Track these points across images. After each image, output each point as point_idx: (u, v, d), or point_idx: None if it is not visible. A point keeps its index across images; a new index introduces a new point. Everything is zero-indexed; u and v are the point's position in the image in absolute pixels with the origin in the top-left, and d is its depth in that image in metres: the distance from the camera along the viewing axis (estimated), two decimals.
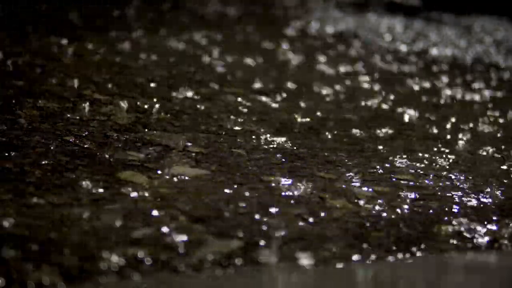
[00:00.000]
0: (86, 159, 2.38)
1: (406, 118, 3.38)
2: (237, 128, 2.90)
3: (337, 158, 2.71)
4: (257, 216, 2.13)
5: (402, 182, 2.56)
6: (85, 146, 2.50)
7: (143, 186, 2.23)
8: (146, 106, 3.02)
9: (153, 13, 5.19)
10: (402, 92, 3.87)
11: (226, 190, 2.29)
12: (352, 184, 2.48)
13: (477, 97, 3.99)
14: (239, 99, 3.30)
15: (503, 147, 3.12)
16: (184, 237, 1.94)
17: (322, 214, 2.21)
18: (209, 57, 4.04)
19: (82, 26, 4.38)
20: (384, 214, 2.27)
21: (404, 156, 2.83)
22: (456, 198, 2.48)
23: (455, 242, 2.15)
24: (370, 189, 2.45)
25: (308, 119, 3.14)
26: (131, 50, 3.94)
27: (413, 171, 2.69)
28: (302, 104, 3.35)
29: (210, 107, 3.12)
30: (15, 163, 2.27)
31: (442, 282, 1.90)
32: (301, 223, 2.13)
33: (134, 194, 2.16)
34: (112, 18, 4.80)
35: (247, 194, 2.28)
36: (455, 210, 2.38)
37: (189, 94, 3.28)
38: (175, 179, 2.32)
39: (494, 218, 2.35)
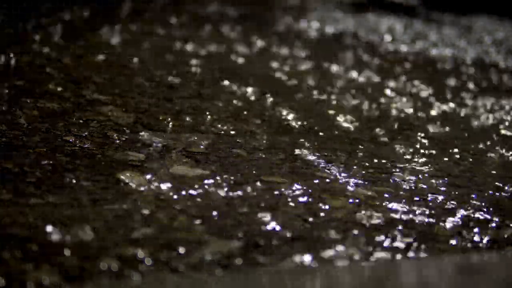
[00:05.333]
0: (86, 159, 2.38)
1: (406, 118, 3.38)
2: (237, 128, 2.90)
3: (337, 158, 2.71)
4: (257, 216, 2.13)
5: (402, 182, 2.56)
6: (85, 146, 2.50)
7: (143, 186, 2.23)
8: (146, 106, 3.02)
9: (152, 13, 5.19)
10: (402, 92, 3.87)
11: (226, 190, 2.29)
12: (352, 184, 2.48)
13: (476, 97, 3.99)
14: (239, 99, 3.30)
15: (503, 146, 3.12)
16: (184, 237, 1.94)
17: (322, 214, 2.21)
18: (209, 57, 4.04)
19: (82, 26, 4.38)
20: (384, 214, 2.27)
21: (404, 156, 2.83)
22: (456, 198, 2.48)
23: (455, 242, 2.15)
24: (370, 189, 2.45)
25: (308, 119, 3.14)
26: (131, 50, 3.94)
27: (412, 171, 2.69)
28: (302, 104, 3.35)
29: (210, 107, 3.12)
30: (15, 163, 2.27)
31: (442, 282, 1.90)
32: (301, 223, 2.13)
33: (134, 194, 2.16)
34: (112, 18, 4.80)
35: (247, 194, 2.28)
36: (455, 210, 2.38)
37: (189, 94, 3.28)
38: (175, 179, 2.32)
39: (494, 218, 2.35)
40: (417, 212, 2.32)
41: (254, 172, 2.47)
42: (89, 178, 2.23)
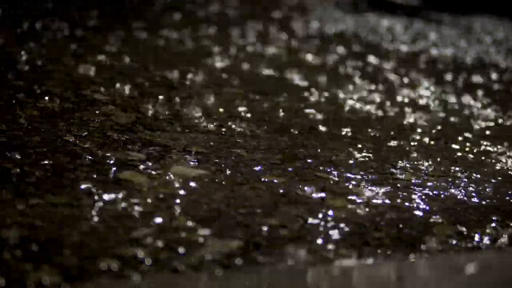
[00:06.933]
0: (86, 159, 2.38)
1: (406, 118, 3.38)
2: (237, 128, 2.90)
3: (337, 158, 2.71)
4: (257, 216, 2.13)
5: (402, 182, 2.56)
6: (85, 146, 2.50)
7: (143, 186, 2.23)
8: (146, 106, 3.02)
9: (152, 13, 5.19)
10: (402, 92, 3.87)
11: (226, 190, 2.29)
12: (352, 184, 2.48)
13: (476, 97, 3.99)
14: (239, 99, 3.30)
15: (503, 146, 3.12)
16: (184, 237, 1.94)
17: (322, 214, 2.21)
18: (209, 57, 4.04)
19: (82, 26, 4.38)
20: (384, 214, 2.27)
21: (404, 156, 2.83)
22: (456, 198, 2.48)
23: (455, 242, 2.15)
24: (370, 189, 2.45)
25: (308, 119, 3.14)
26: (131, 50, 3.94)
27: (413, 171, 2.69)
28: (302, 104, 3.36)
29: (211, 107, 3.12)
30: (15, 163, 2.27)
31: (442, 282, 1.90)
32: (301, 223, 2.13)
33: (134, 194, 2.16)
34: (112, 18, 4.80)
35: (247, 194, 2.28)
36: (455, 210, 2.38)
37: (189, 94, 3.28)
38: (175, 179, 2.32)
39: (494, 218, 2.35)
40: (417, 212, 2.32)
41: (254, 172, 2.47)
42: (89, 178, 2.23)
